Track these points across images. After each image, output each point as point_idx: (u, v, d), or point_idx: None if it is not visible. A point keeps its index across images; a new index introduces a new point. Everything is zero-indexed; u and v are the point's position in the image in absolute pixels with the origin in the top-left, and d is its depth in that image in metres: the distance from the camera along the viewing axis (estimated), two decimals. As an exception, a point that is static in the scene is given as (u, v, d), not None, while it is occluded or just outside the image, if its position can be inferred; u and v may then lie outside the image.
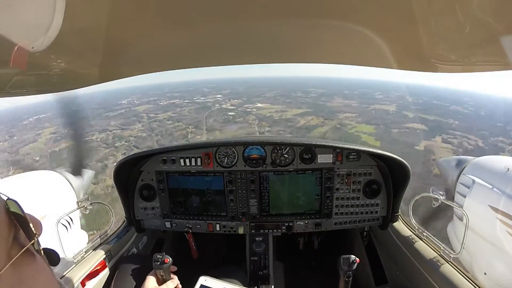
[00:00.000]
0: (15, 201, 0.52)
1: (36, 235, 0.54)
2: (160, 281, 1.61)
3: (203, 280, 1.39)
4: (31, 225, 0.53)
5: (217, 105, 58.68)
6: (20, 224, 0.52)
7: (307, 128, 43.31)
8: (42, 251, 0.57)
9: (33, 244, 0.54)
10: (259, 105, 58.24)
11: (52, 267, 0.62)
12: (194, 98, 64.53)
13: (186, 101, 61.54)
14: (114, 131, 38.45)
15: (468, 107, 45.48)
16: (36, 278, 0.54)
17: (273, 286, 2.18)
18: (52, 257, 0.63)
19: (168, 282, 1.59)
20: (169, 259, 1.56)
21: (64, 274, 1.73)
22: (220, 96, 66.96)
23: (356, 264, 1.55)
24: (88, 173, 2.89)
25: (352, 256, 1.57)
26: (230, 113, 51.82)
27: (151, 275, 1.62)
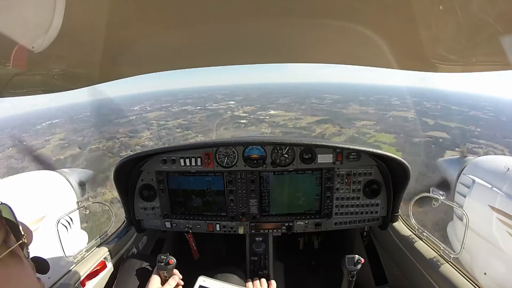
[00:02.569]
0: (8, 206, 0.55)
1: (24, 237, 0.57)
2: (164, 281, 1.62)
3: (201, 280, 1.39)
4: (20, 227, 0.56)
5: (229, 112, 56.66)
6: (11, 230, 0.55)
7: (323, 138, 41.38)
8: (29, 257, 0.59)
9: (21, 247, 0.56)
10: (272, 112, 56.11)
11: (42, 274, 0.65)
12: (207, 105, 62.36)
13: (198, 107, 59.83)
14: (122, 138, 36.89)
15: (488, 112, 43.08)
16: (22, 280, 0.56)
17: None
18: (41, 265, 0.68)
19: (170, 279, 1.60)
20: (173, 260, 1.56)
21: (64, 274, 1.73)
22: (233, 102, 64.95)
23: (360, 264, 1.56)
24: (87, 173, 2.88)
25: (356, 255, 1.57)
26: (242, 121, 49.70)
27: (155, 274, 1.62)
